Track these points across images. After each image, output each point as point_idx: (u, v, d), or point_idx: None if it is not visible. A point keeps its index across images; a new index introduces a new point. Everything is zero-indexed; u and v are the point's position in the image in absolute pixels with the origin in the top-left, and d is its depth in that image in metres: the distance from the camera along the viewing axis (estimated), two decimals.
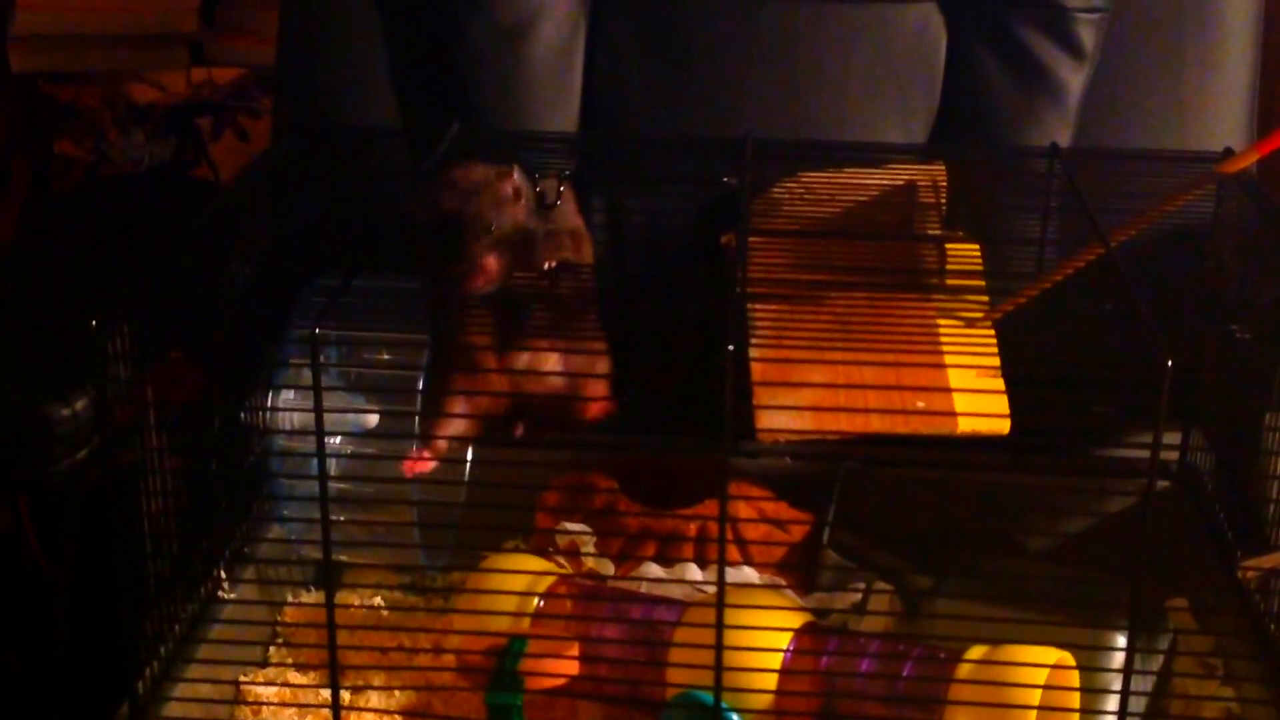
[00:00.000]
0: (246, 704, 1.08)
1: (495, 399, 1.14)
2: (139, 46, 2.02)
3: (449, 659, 1.07)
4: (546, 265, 1.12)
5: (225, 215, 1.18)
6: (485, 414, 1.15)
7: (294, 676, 1.11)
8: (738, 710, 0.98)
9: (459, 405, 1.14)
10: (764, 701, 0.99)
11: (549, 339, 1.13)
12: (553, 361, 1.14)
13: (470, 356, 1.13)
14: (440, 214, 1.08)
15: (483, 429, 1.16)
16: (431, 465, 1.13)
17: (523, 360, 1.13)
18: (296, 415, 1.16)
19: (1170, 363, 0.88)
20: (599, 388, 1.16)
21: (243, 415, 1.17)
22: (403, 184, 1.20)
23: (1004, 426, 1.07)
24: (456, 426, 1.14)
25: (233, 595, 1.15)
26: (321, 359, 0.97)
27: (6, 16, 1.99)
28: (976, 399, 1.06)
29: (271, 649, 1.15)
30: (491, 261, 1.08)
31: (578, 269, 1.14)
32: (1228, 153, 1.21)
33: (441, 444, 1.13)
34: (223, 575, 1.15)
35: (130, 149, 2.05)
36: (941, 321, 1.12)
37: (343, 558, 1.16)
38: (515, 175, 1.10)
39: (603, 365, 1.17)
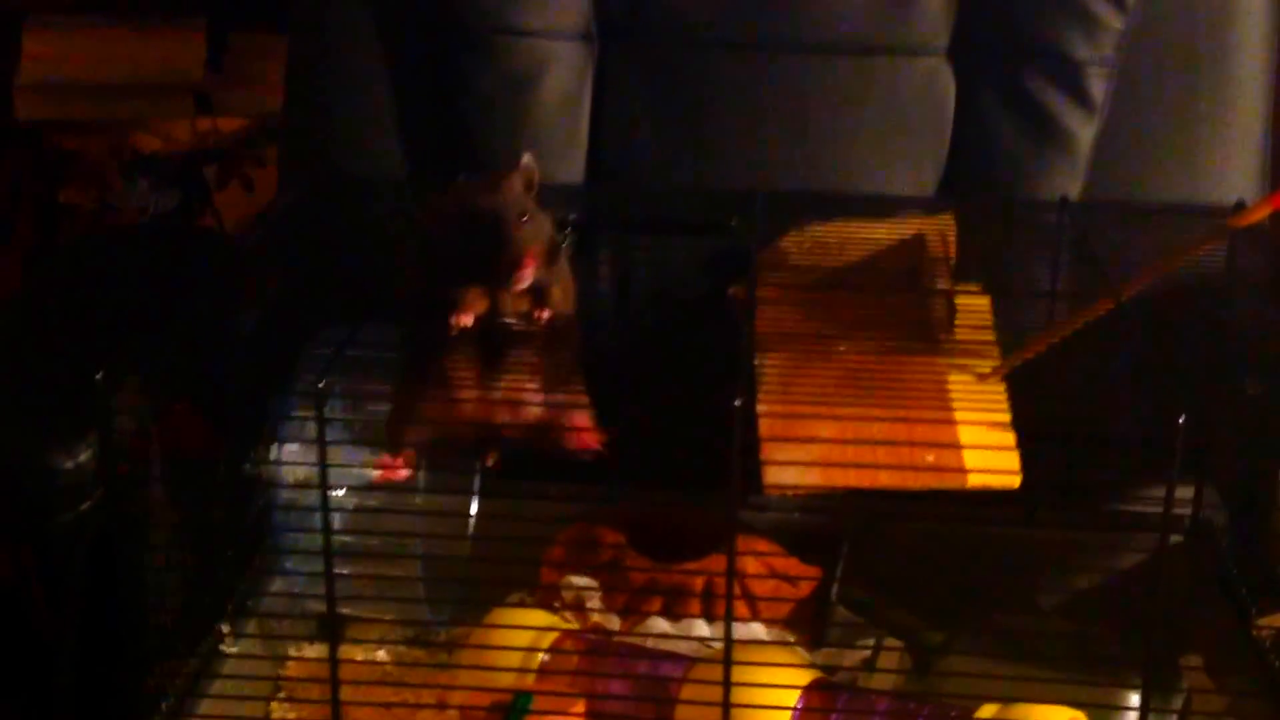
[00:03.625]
0: None
1: (467, 422, 1.11)
2: (145, 96, 2.03)
3: (453, 714, 1.06)
4: (537, 315, 1.10)
5: (232, 267, 1.18)
6: (455, 435, 1.12)
7: None
8: None
9: (429, 414, 1.10)
10: None
11: (530, 373, 1.11)
12: (532, 395, 1.12)
13: (447, 377, 1.11)
14: (471, 213, 1.07)
15: (451, 450, 1.13)
16: (404, 474, 1.10)
17: (501, 391, 1.11)
18: (300, 468, 1.15)
19: (1182, 420, 0.88)
20: (582, 419, 1.14)
21: (247, 467, 1.16)
22: (403, 225, 1.19)
23: (1014, 482, 1.06)
24: (424, 434, 1.11)
25: (235, 649, 1.14)
26: (326, 411, 0.97)
27: (13, 66, 1.99)
28: (986, 454, 1.05)
29: (274, 703, 1.14)
30: (538, 247, 1.06)
31: (566, 319, 1.13)
32: (1240, 206, 1.21)
33: (411, 452, 1.11)
34: (225, 628, 1.14)
35: (135, 198, 2.05)
36: (951, 375, 1.11)
37: (346, 611, 1.15)
38: (525, 162, 1.09)
39: (583, 402, 1.14)
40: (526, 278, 1.06)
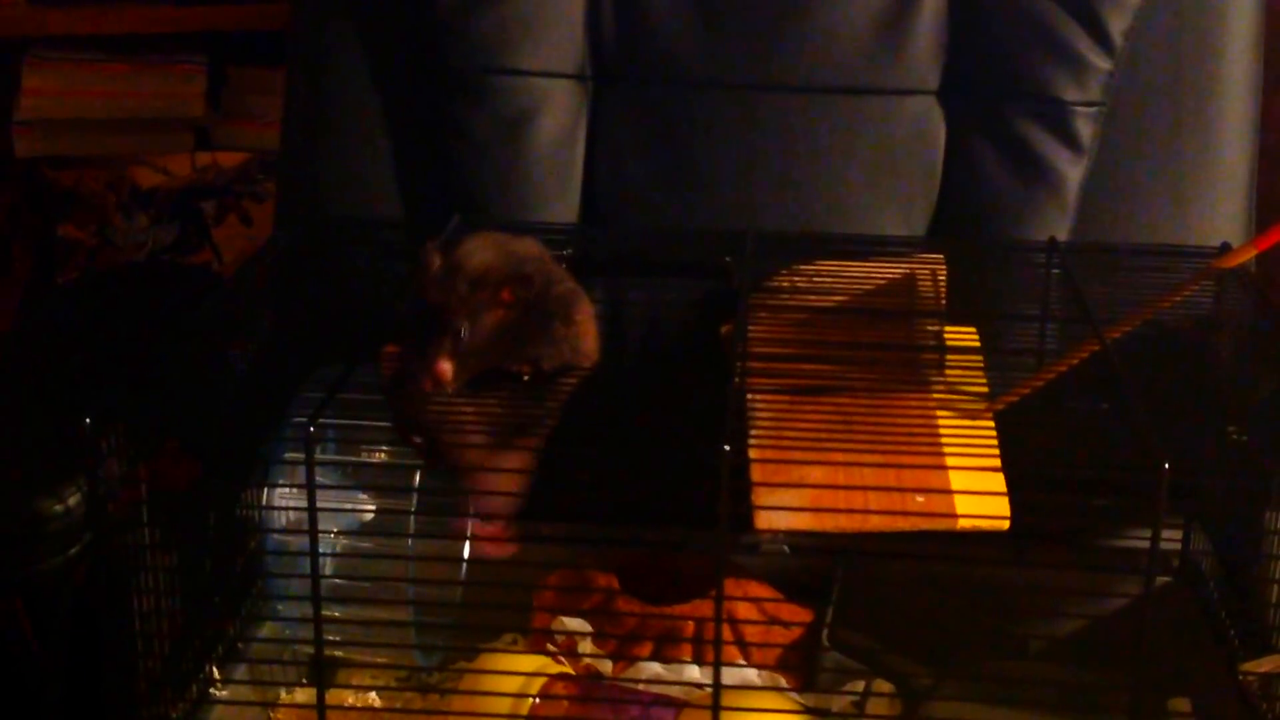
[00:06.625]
0: None
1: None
2: (144, 131, 2.04)
3: None
4: (518, 369, 1.10)
5: (225, 308, 1.18)
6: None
7: None
8: None
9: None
10: None
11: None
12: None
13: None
14: (425, 304, 1.07)
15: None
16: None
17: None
18: (291, 511, 1.15)
19: (1167, 466, 0.88)
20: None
21: (237, 510, 1.16)
22: (405, 272, 1.19)
23: (1003, 525, 1.06)
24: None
25: (224, 693, 1.13)
26: (317, 453, 0.97)
27: (12, 101, 2.00)
28: (976, 497, 1.05)
29: None
30: (445, 369, 1.06)
31: (558, 378, 1.13)
32: (1225, 248, 1.21)
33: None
34: (215, 673, 1.14)
35: (134, 233, 2.06)
36: (941, 416, 1.12)
37: (337, 654, 1.15)
38: (524, 286, 1.09)
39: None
40: (425, 390, 1.07)
